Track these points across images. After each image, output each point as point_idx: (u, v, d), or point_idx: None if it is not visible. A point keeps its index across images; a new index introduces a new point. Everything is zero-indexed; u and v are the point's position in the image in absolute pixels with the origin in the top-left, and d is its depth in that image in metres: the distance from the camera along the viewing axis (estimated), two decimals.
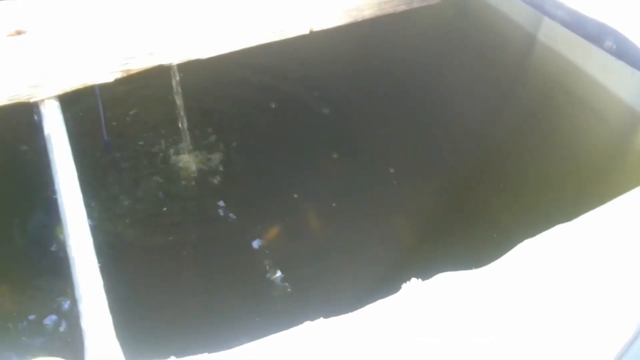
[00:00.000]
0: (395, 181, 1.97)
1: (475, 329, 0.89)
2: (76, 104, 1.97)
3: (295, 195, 1.91)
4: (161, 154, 2.02)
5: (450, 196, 1.84)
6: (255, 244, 1.72)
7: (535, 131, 2.06)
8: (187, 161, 1.97)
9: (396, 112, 2.24)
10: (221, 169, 1.99)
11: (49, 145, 1.05)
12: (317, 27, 1.32)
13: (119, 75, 1.16)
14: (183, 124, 1.86)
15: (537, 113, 2.13)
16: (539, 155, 1.94)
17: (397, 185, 1.94)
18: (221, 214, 1.84)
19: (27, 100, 1.10)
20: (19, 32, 1.09)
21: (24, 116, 1.24)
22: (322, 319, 0.89)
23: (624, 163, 1.74)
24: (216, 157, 2.03)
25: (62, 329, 1.45)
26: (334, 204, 1.89)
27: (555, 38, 2.21)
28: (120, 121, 2.12)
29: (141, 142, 2.06)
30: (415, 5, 1.41)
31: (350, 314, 0.91)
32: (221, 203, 1.87)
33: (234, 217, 1.83)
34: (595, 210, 1.10)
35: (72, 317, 1.42)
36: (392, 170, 2.01)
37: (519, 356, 0.88)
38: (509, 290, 0.97)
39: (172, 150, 2.02)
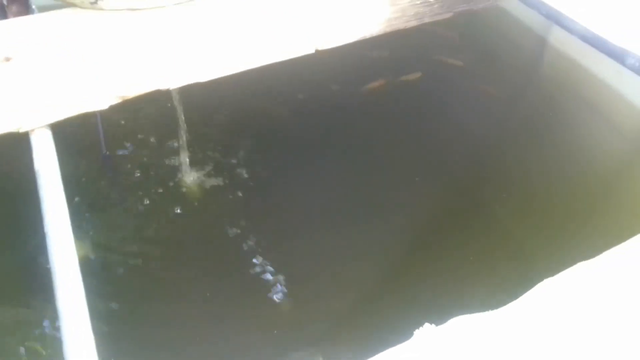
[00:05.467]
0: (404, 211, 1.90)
1: None
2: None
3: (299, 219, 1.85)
4: (159, 167, 1.97)
5: (461, 224, 1.77)
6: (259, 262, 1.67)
7: (550, 146, 2.00)
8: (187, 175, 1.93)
9: (404, 125, 2.19)
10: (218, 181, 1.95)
11: (38, 179, 0.99)
12: (323, 46, 1.26)
13: (114, 101, 1.10)
14: (183, 142, 1.81)
15: (552, 124, 2.07)
16: (555, 176, 1.86)
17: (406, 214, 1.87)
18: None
19: (16, 131, 1.04)
20: (6, 59, 1.03)
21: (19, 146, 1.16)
22: None
23: None
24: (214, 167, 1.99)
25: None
26: (339, 226, 1.84)
27: (567, 42, 2.15)
28: (119, 136, 2.07)
29: (142, 158, 2.01)
30: (426, 20, 1.34)
31: None
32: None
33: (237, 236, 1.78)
34: (618, 247, 1.04)
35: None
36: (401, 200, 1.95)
37: None
38: (528, 334, 0.92)
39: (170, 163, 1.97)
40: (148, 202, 1.86)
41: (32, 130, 1.05)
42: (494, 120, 2.19)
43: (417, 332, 0.91)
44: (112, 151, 1.95)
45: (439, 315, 0.93)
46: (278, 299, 1.57)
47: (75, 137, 1.91)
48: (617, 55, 1.26)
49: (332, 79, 2.26)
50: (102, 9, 1.15)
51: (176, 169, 1.96)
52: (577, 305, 0.96)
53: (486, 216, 1.79)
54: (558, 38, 2.22)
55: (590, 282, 0.98)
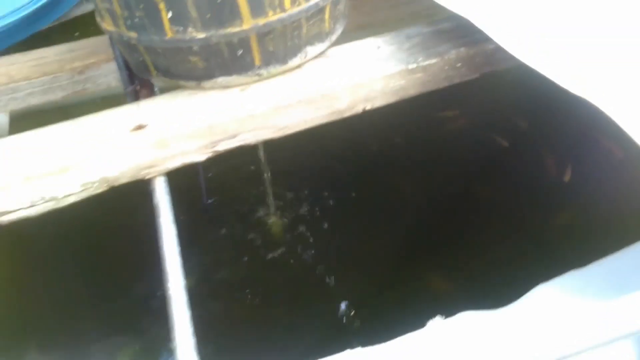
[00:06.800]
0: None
1: None
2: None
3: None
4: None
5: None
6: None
7: None
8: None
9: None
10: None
11: (157, 212, 1.40)
12: (369, 106, 1.58)
13: (210, 154, 1.51)
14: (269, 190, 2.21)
15: None
16: None
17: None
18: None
19: (143, 178, 1.47)
20: (140, 127, 1.47)
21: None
22: (360, 348, 1.07)
23: None
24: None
25: None
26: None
27: None
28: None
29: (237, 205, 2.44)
30: (456, 80, 1.62)
31: (384, 344, 1.09)
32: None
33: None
34: (609, 257, 1.20)
35: None
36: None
37: None
38: (525, 331, 1.08)
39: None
40: (242, 241, 2.26)
41: (154, 177, 1.47)
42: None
43: (429, 323, 1.14)
44: (212, 199, 2.38)
45: (449, 310, 1.16)
46: None
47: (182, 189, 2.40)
48: None
49: None
50: (204, 88, 1.58)
51: (266, 215, 2.36)
52: (566, 308, 1.13)
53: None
54: None
55: (579, 287, 1.16)
